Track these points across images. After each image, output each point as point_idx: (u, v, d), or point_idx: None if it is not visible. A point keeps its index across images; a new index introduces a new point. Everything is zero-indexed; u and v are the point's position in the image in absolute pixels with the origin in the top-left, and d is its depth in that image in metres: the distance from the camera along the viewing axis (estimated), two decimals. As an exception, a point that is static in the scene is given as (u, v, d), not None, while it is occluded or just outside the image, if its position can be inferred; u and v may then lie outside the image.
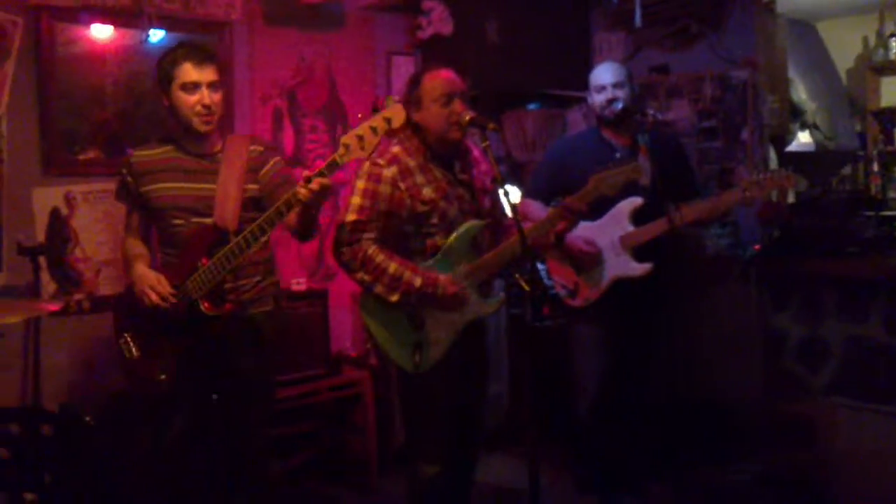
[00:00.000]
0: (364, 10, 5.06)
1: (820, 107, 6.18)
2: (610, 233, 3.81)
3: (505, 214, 3.30)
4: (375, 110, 2.89)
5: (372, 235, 3.10)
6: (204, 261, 3.08)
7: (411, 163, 3.14)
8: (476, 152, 3.34)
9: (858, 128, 6.46)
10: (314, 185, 2.85)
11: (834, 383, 4.26)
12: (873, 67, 6.38)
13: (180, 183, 3.20)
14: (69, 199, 4.06)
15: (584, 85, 4.07)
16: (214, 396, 3.23)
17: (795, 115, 5.91)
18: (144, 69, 4.12)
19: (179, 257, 3.17)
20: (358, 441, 4.60)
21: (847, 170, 6.25)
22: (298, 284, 4.53)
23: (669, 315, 4.04)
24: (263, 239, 3.04)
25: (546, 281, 3.99)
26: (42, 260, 3.80)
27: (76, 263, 4.08)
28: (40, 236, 3.97)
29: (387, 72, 5.21)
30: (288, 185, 3.12)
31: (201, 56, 3.17)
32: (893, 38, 6.22)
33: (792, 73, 5.83)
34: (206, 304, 3.10)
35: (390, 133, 3.19)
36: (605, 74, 3.95)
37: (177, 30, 4.27)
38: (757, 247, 4.48)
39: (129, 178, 3.26)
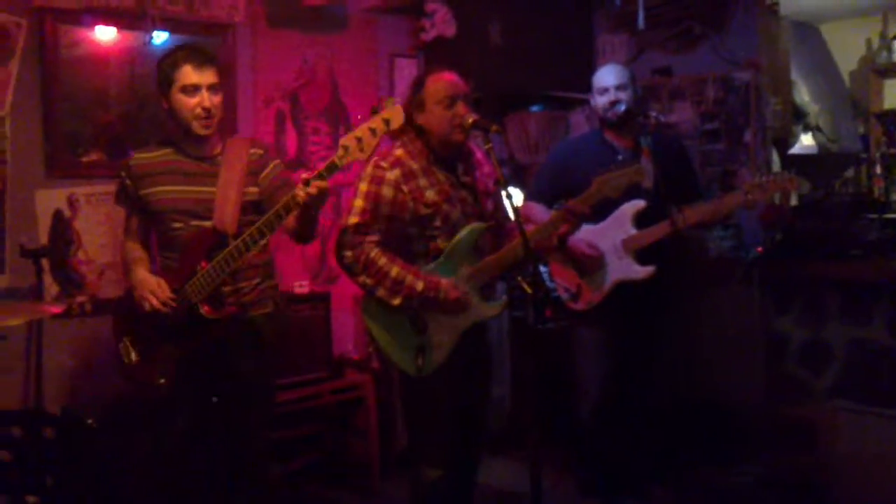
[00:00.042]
0: (367, 13, 5.06)
1: (823, 109, 6.18)
2: (612, 235, 3.81)
3: (507, 217, 3.29)
4: (374, 112, 2.88)
5: (374, 238, 3.09)
6: (203, 264, 3.07)
7: (414, 165, 3.13)
8: (479, 155, 3.34)
9: (861, 130, 6.44)
10: (312, 189, 2.85)
11: (837, 387, 4.26)
12: (876, 70, 6.37)
13: (180, 186, 3.19)
14: (72, 202, 4.06)
15: (587, 87, 4.08)
16: (215, 399, 3.24)
17: (798, 118, 5.91)
18: (148, 71, 4.11)
19: (179, 261, 3.17)
20: (360, 444, 4.60)
21: (850, 172, 6.22)
22: (301, 287, 4.53)
23: (672, 318, 4.04)
24: (262, 242, 3.03)
25: (548, 284, 3.99)
26: (45, 262, 3.80)
27: (79, 266, 4.08)
28: (43, 238, 3.97)
29: (389, 74, 5.21)
30: (287, 188, 3.12)
31: (201, 58, 3.16)
32: (896, 40, 6.22)
33: (795, 76, 5.83)
34: (205, 308, 3.10)
35: (392, 135, 3.20)
36: (607, 76, 3.95)
37: (180, 32, 4.27)
38: (760, 249, 4.47)
39: (128, 182, 3.26)
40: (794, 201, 5.05)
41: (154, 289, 3.10)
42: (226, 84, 4.40)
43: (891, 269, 4.04)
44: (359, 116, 2.96)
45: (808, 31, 6.41)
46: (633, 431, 4.04)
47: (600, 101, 3.95)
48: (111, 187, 3.39)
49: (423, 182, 3.12)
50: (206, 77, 3.15)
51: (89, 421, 3.51)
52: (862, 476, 3.84)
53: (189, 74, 3.12)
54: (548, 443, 3.24)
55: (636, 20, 4.66)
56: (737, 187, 3.86)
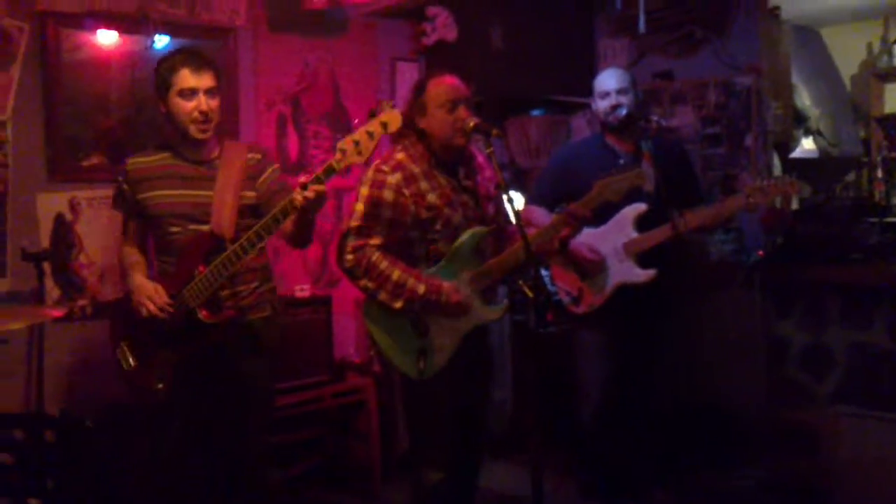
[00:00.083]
0: (368, 17, 5.06)
1: (824, 113, 6.18)
2: (614, 239, 3.81)
3: (509, 221, 3.29)
4: (372, 115, 2.89)
5: (376, 242, 3.09)
6: (201, 268, 3.07)
7: (415, 169, 3.13)
8: (480, 158, 3.34)
9: (862, 134, 6.45)
10: (310, 193, 2.85)
11: (838, 391, 4.25)
12: (877, 74, 6.38)
13: (177, 190, 3.19)
14: (74, 205, 4.06)
15: (588, 91, 4.08)
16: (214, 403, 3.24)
17: (799, 122, 5.91)
18: (149, 75, 4.04)
19: (176, 265, 3.17)
20: (361, 448, 4.60)
21: (851, 176, 6.25)
22: (302, 291, 4.53)
23: (673, 321, 4.04)
24: (260, 245, 3.03)
25: (550, 287, 3.99)
26: (46, 266, 3.80)
27: (80, 269, 4.08)
28: (45, 242, 3.98)
29: (391, 78, 5.22)
30: (285, 192, 3.13)
31: (199, 62, 3.16)
32: (897, 45, 6.23)
33: (796, 80, 5.83)
34: (203, 313, 3.10)
35: (394, 139, 3.21)
36: (609, 80, 3.95)
37: (181, 36, 4.28)
38: (761, 253, 4.47)
39: (125, 186, 3.26)
40: (795, 205, 5.05)
41: (151, 294, 3.09)
42: (227, 88, 4.44)
43: (891, 273, 4.04)
44: (356, 121, 2.96)
45: (809, 35, 6.42)
46: (634, 435, 4.04)
47: (601, 104, 3.95)
48: (112, 191, 3.39)
49: (424, 186, 3.12)
50: (204, 81, 3.15)
51: (89, 424, 3.51)
52: (863, 480, 3.84)
53: (187, 78, 3.12)
54: (549, 446, 3.24)
55: (637, 24, 4.66)
56: (738, 191, 3.86)
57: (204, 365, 3.19)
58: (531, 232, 3.13)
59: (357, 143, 2.83)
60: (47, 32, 3.96)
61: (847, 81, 6.64)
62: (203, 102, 3.14)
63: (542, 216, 3.91)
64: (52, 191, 4.02)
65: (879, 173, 5.50)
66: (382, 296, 3.08)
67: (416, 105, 3.17)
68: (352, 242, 3.09)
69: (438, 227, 3.13)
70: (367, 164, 2.99)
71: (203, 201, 3.18)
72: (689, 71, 4.96)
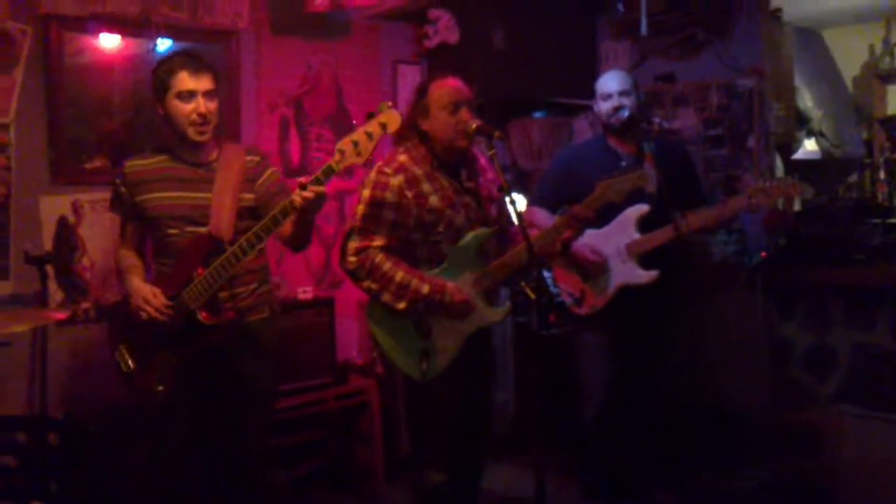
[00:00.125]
0: (370, 20, 5.07)
1: (826, 115, 6.19)
2: (616, 240, 3.81)
3: (511, 222, 3.30)
4: (370, 116, 2.89)
5: (379, 244, 3.09)
6: (200, 270, 3.07)
7: (418, 171, 3.13)
8: (482, 160, 3.34)
9: (865, 135, 6.46)
10: (309, 193, 2.85)
11: (841, 392, 4.25)
12: (879, 75, 6.39)
13: (176, 192, 3.19)
14: (76, 208, 4.07)
15: (590, 93, 4.08)
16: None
17: (801, 123, 5.92)
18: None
19: (174, 267, 3.17)
20: (364, 449, 4.61)
21: (853, 177, 6.25)
22: (305, 293, 4.53)
23: (675, 322, 4.04)
24: (259, 246, 3.04)
25: (552, 289, 3.99)
26: (49, 269, 3.80)
27: (83, 272, 4.09)
28: (48, 245, 3.98)
29: (393, 80, 5.22)
30: (284, 194, 3.13)
31: (197, 65, 3.16)
32: (899, 47, 6.23)
33: (798, 81, 5.84)
34: (203, 314, 3.10)
35: (396, 141, 3.21)
36: (611, 82, 3.96)
37: (184, 39, 4.28)
38: (764, 254, 4.47)
39: (123, 189, 3.26)
40: (797, 206, 5.06)
41: (149, 297, 3.09)
42: (230, 90, 4.45)
43: (894, 274, 4.04)
44: (354, 122, 2.96)
45: (811, 37, 6.43)
46: (636, 436, 4.04)
47: (604, 106, 3.96)
48: (110, 194, 3.40)
49: (426, 188, 3.12)
50: (203, 83, 3.15)
51: (91, 427, 3.52)
52: (867, 481, 3.83)
53: (185, 81, 3.12)
54: (552, 447, 3.24)
55: (639, 27, 4.67)
56: (740, 192, 3.86)
57: (204, 367, 3.19)
58: (533, 233, 3.14)
59: (356, 144, 2.83)
60: (50, 35, 3.97)
61: (849, 83, 6.64)
62: (202, 105, 3.14)
63: (544, 218, 3.91)
64: (54, 193, 4.02)
65: (882, 174, 5.51)
66: (386, 297, 3.08)
67: (418, 107, 3.18)
68: (355, 244, 3.10)
69: (441, 228, 3.14)
70: (367, 165, 2.99)
71: (201, 203, 3.18)
72: (691, 73, 4.96)
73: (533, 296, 2.81)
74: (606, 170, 3.40)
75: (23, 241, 3.87)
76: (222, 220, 3.14)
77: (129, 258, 3.31)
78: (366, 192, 3.12)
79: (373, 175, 3.13)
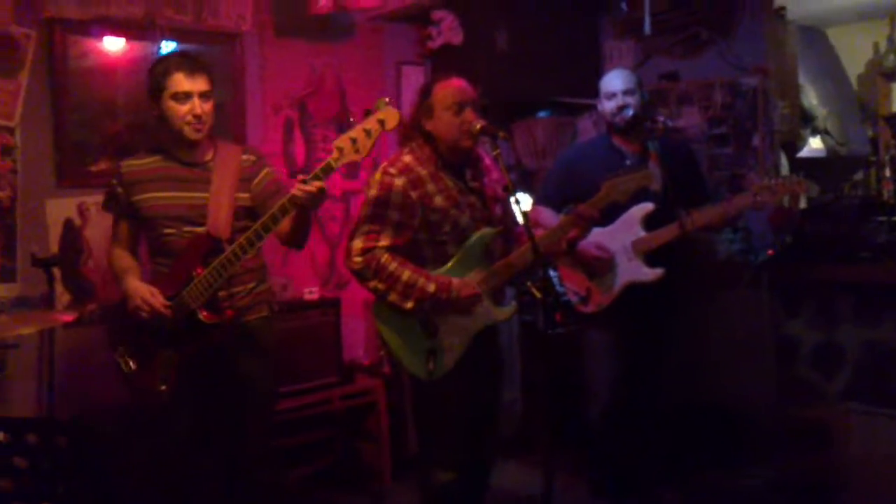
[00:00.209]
0: (374, 21, 5.08)
1: (831, 112, 6.17)
2: (621, 238, 3.81)
3: (516, 222, 3.30)
4: (368, 113, 2.90)
5: (384, 244, 3.10)
6: (199, 270, 3.08)
7: (422, 171, 3.14)
8: (487, 160, 3.35)
9: (870, 133, 6.44)
10: (311, 187, 2.86)
11: (848, 389, 4.24)
12: (884, 73, 6.36)
13: (172, 192, 3.21)
14: (82, 211, 4.08)
15: (594, 93, 4.08)
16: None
17: (806, 121, 5.91)
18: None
19: (172, 267, 3.18)
20: (371, 449, 4.62)
21: (859, 175, 6.22)
22: (311, 293, 4.54)
23: (681, 320, 4.04)
24: (259, 244, 3.05)
25: (558, 287, 3.99)
26: (56, 271, 3.81)
27: (89, 274, 4.10)
28: (54, 247, 4.00)
29: (397, 82, 5.23)
30: (280, 194, 3.15)
31: (193, 66, 3.17)
32: (904, 44, 6.22)
33: (802, 80, 5.82)
34: (204, 314, 3.11)
35: (401, 142, 3.22)
36: (615, 81, 3.96)
37: (188, 41, 4.30)
38: (770, 252, 4.47)
39: (119, 189, 3.27)
40: (803, 204, 5.05)
41: (147, 297, 3.10)
42: (234, 93, 4.46)
43: (901, 272, 4.04)
44: (350, 119, 2.97)
45: (815, 35, 6.41)
46: (643, 434, 4.03)
47: (608, 105, 3.96)
48: (105, 193, 3.41)
49: (431, 188, 3.13)
50: (198, 84, 3.16)
51: (100, 428, 3.52)
52: (874, 478, 3.83)
53: (181, 82, 3.13)
54: (559, 446, 3.24)
55: (643, 26, 4.67)
56: (745, 190, 3.86)
57: (204, 366, 3.20)
58: (539, 233, 3.14)
59: (354, 142, 2.85)
60: (55, 39, 3.98)
61: (854, 81, 6.62)
62: (197, 106, 3.15)
63: (549, 217, 3.91)
64: (60, 196, 4.04)
65: (887, 172, 5.50)
66: (392, 297, 3.09)
67: (422, 108, 3.19)
68: (360, 244, 3.10)
69: (446, 229, 3.14)
70: (367, 163, 3.00)
71: (198, 203, 3.19)
72: (694, 72, 4.96)
73: (539, 295, 2.82)
74: (611, 169, 3.40)
75: (29, 244, 3.88)
76: (220, 220, 3.15)
77: (124, 259, 3.32)
78: (371, 193, 3.13)
79: (378, 175, 3.14)
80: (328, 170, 2.88)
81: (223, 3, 4.40)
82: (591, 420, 4.04)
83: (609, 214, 3.61)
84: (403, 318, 3.14)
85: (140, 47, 4.20)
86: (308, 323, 4.35)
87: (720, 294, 4.68)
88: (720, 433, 4.40)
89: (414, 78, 5.20)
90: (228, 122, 4.46)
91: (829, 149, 6.13)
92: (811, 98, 6.02)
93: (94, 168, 4.11)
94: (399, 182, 3.10)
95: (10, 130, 3.90)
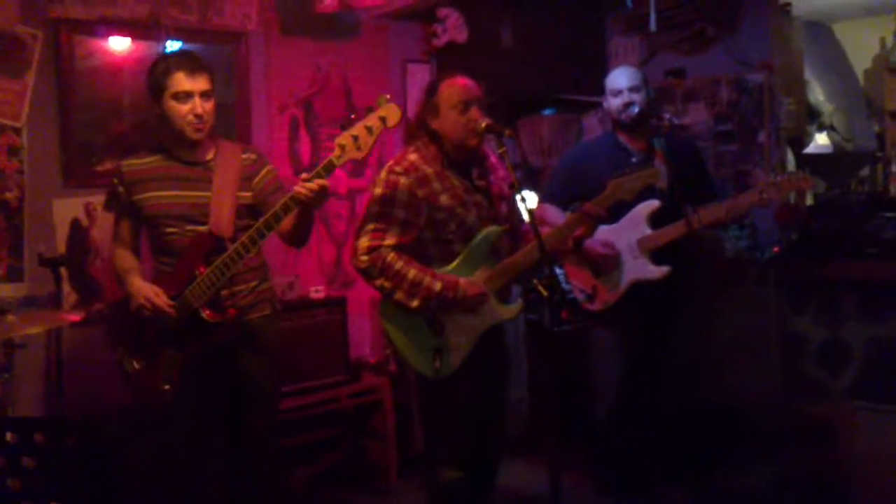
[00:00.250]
0: (379, 19, 5.08)
1: (837, 108, 6.16)
2: (627, 236, 3.81)
3: (522, 220, 3.30)
4: (370, 110, 2.89)
5: (390, 242, 3.10)
6: (201, 269, 3.09)
7: (428, 170, 3.13)
8: (493, 158, 3.34)
9: (876, 129, 6.43)
10: (314, 185, 2.86)
11: (855, 387, 4.24)
12: (891, 68, 6.33)
13: (174, 191, 3.21)
14: (89, 211, 4.09)
15: (600, 90, 4.08)
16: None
17: (812, 117, 5.89)
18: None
19: (175, 266, 3.19)
20: (377, 447, 4.62)
21: (865, 171, 6.22)
22: (317, 292, 4.55)
23: (687, 318, 4.03)
24: (261, 243, 3.05)
25: (564, 285, 3.99)
26: (63, 271, 3.82)
27: (97, 274, 4.11)
28: (61, 247, 4.01)
29: (402, 80, 5.23)
30: (281, 192, 3.15)
31: (194, 65, 3.17)
32: (910, 39, 6.19)
33: (808, 75, 5.81)
34: (207, 312, 3.12)
35: (407, 140, 3.22)
36: (620, 78, 3.96)
37: (193, 41, 4.30)
38: (776, 249, 4.46)
39: (120, 189, 3.27)
40: (809, 201, 5.04)
41: (151, 297, 3.11)
42: (240, 92, 4.47)
43: (908, 268, 4.03)
44: (352, 116, 2.96)
45: (821, 30, 6.40)
46: (649, 432, 4.04)
47: (614, 103, 3.95)
48: (106, 193, 3.42)
49: (437, 186, 3.12)
50: (199, 84, 3.16)
51: (108, 428, 3.53)
52: (880, 475, 3.82)
53: (181, 81, 3.13)
54: (565, 444, 3.24)
55: (648, 22, 4.66)
56: (751, 187, 3.85)
57: (207, 365, 3.21)
58: (545, 231, 3.14)
59: (356, 139, 2.85)
60: (61, 40, 3.99)
61: (860, 76, 6.61)
62: (198, 105, 3.15)
63: (555, 215, 3.91)
64: (67, 196, 4.05)
65: (894, 168, 5.49)
66: (399, 295, 3.08)
67: (428, 106, 3.18)
68: (366, 243, 3.10)
69: (452, 227, 3.14)
70: (373, 161, 3.00)
71: (201, 202, 3.20)
72: (700, 68, 4.95)
73: (545, 293, 2.81)
74: (617, 166, 3.40)
75: (36, 244, 3.90)
76: (223, 219, 3.16)
77: (126, 259, 3.33)
78: (377, 191, 3.13)
79: (383, 174, 3.14)
80: (330, 168, 2.89)
81: (228, 2, 4.41)
82: (598, 418, 4.04)
83: (615, 212, 3.61)
84: (409, 316, 3.14)
85: (146, 47, 4.21)
86: (314, 321, 4.36)
87: (726, 291, 4.67)
88: (726, 430, 4.39)
89: (419, 76, 5.20)
90: (234, 121, 4.46)
91: (835, 145, 6.12)
92: (817, 94, 6.01)
93: (100, 168, 4.11)
94: (405, 181, 3.10)
95: (17, 131, 3.91)
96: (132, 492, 3.59)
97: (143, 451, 3.62)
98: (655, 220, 3.79)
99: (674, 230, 3.75)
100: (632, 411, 3.97)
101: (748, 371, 4.55)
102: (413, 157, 3.16)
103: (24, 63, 3.91)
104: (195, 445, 3.32)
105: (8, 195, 3.89)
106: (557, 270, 3.93)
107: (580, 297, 3.95)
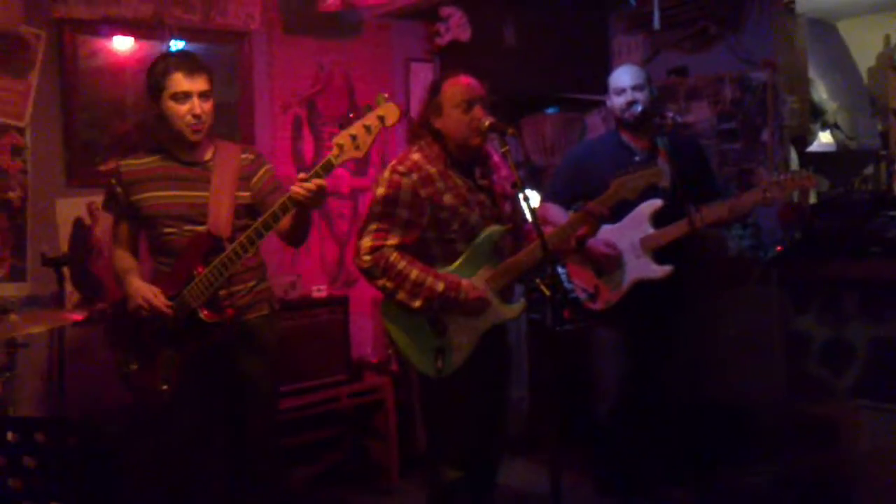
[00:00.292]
0: (382, 18, 5.08)
1: (841, 106, 6.14)
2: (630, 235, 3.81)
3: (525, 219, 3.29)
4: (368, 109, 2.89)
5: (393, 242, 3.09)
6: (200, 269, 3.09)
7: (431, 170, 3.13)
8: (496, 157, 3.33)
9: (880, 127, 6.41)
10: (312, 185, 2.86)
11: (858, 386, 4.23)
12: (895, 66, 6.33)
13: (172, 191, 3.21)
14: (92, 210, 4.09)
15: (603, 88, 4.07)
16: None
17: (816, 116, 5.88)
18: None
19: (174, 266, 3.19)
20: (379, 446, 4.62)
21: (869, 169, 6.20)
22: (319, 291, 4.55)
23: (690, 317, 4.03)
24: (259, 242, 3.05)
25: (566, 285, 3.98)
26: (66, 270, 3.83)
27: (99, 273, 4.11)
28: (64, 247, 4.01)
29: (405, 78, 5.23)
30: (279, 192, 3.15)
31: (192, 66, 3.17)
32: (915, 37, 6.19)
33: (812, 73, 5.80)
34: (205, 312, 3.12)
35: (410, 140, 3.22)
36: (624, 77, 3.95)
37: (196, 40, 4.31)
38: (780, 248, 4.45)
39: (118, 189, 3.27)
40: (812, 199, 5.03)
41: (149, 297, 3.11)
42: (243, 91, 4.47)
43: (911, 267, 4.01)
44: (351, 115, 2.95)
45: (824, 28, 6.38)
46: (651, 431, 4.03)
47: (617, 101, 3.95)
48: (104, 194, 3.42)
49: (440, 186, 3.12)
50: (198, 84, 3.16)
51: (110, 427, 3.53)
52: (883, 474, 3.81)
53: (180, 82, 3.13)
54: (567, 444, 3.24)
55: (651, 21, 4.66)
56: (755, 186, 3.85)
57: (205, 365, 3.21)
58: (548, 230, 3.13)
59: (354, 138, 2.84)
60: (64, 39, 4.00)
61: (864, 74, 6.59)
62: (196, 106, 3.15)
63: (558, 214, 3.91)
64: (70, 196, 4.06)
65: (897, 166, 5.48)
66: (401, 295, 3.08)
67: (431, 105, 3.18)
68: (369, 243, 3.10)
69: (455, 226, 3.14)
70: (376, 160, 3.00)
71: (199, 202, 3.20)
72: (704, 67, 4.94)
73: (547, 292, 2.80)
74: (620, 165, 3.39)
75: (39, 244, 3.90)
76: (221, 219, 3.16)
77: (125, 259, 3.33)
78: (380, 191, 3.12)
79: (386, 174, 3.14)
80: (328, 167, 2.88)
81: (232, 2, 4.41)
82: (599, 418, 4.04)
83: (618, 211, 3.60)
84: (412, 316, 3.13)
85: (149, 47, 4.21)
86: (316, 321, 4.36)
87: (729, 290, 4.66)
88: (729, 430, 4.39)
89: (423, 74, 5.20)
90: (237, 120, 4.47)
91: (838, 143, 6.11)
92: (821, 92, 5.99)
93: (103, 167, 4.11)
94: (408, 180, 3.09)
95: (21, 130, 3.92)
96: (132, 492, 3.60)
97: (143, 451, 3.62)
98: (658, 219, 3.78)
99: (676, 229, 3.74)
100: (634, 411, 3.97)
101: (751, 370, 4.55)
102: (416, 156, 3.16)
103: (27, 63, 3.92)
104: (195, 445, 3.32)
105: (11, 195, 3.90)
106: (560, 270, 3.93)
107: (582, 296, 3.95)
